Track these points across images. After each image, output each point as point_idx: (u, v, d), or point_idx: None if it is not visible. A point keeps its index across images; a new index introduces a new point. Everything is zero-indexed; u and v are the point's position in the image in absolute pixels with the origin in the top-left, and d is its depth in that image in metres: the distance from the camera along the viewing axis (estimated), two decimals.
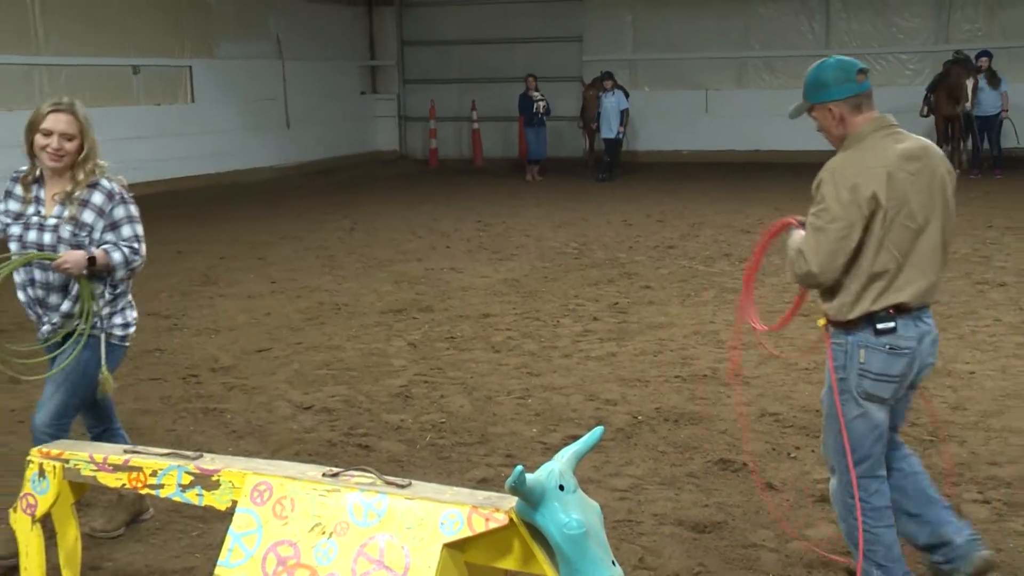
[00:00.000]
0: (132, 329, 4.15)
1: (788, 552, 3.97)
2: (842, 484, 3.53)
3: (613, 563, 2.72)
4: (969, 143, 16.91)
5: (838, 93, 3.41)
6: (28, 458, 3.33)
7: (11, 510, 3.35)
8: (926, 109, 17.06)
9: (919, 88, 17.94)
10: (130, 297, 4.16)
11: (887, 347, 3.36)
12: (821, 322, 3.54)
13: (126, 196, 4.03)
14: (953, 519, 3.64)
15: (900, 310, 3.35)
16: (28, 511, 3.31)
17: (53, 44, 14.92)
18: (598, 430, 2.92)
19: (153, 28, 16.61)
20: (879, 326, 3.35)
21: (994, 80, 16.16)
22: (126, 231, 3.96)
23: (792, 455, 4.95)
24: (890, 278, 3.33)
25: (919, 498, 3.61)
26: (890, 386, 3.41)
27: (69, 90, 15.21)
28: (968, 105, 16.03)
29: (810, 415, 5.47)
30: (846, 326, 3.41)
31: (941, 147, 16.29)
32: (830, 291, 3.41)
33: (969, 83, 15.92)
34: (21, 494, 3.32)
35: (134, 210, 4.03)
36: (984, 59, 16.25)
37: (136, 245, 3.96)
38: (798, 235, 3.49)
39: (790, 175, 17.45)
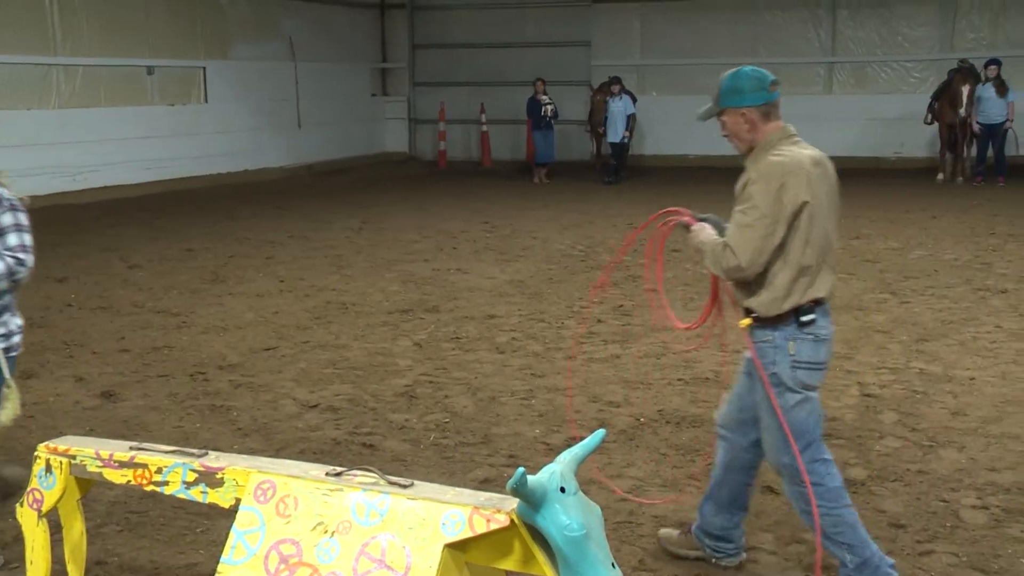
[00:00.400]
0: (16, 338, 4.02)
1: (787, 554, 4.00)
2: (793, 479, 3.61)
3: (613, 565, 2.73)
4: (974, 150, 16.93)
5: (752, 100, 3.57)
6: (35, 453, 3.38)
7: (18, 504, 3.40)
8: (930, 117, 17.07)
9: (923, 96, 17.94)
10: (13, 304, 4.03)
11: (812, 336, 3.52)
12: (745, 323, 3.62)
13: (15, 203, 3.91)
14: (742, 528, 3.95)
15: (817, 303, 3.53)
16: (35, 506, 3.36)
17: (70, 45, 15.03)
18: (599, 433, 2.94)
19: (168, 30, 16.72)
20: (803, 318, 3.51)
21: (1002, 89, 16.12)
22: (12, 239, 3.87)
23: None
24: (813, 273, 3.50)
25: (735, 498, 3.88)
26: (819, 373, 3.59)
27: (85, 90, 15.35)
28: (963, 111, 16.03)
29: None
30: (773, 321, 3.54)
31: (945, 155, 16.24)
32: (754, 289, 3.54)
33: (964, 89, 15.93)
34: (28, 489, 3.37)
35: (23, 218, 3.91)
36: (993, 67, 16.23)
37: (22, 255, 3.86)
38: (707, 232, 3.67)
39: None
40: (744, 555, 3.96)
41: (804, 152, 3.57)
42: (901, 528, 4.20)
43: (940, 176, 17.03)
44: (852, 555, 3.57)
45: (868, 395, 5.92)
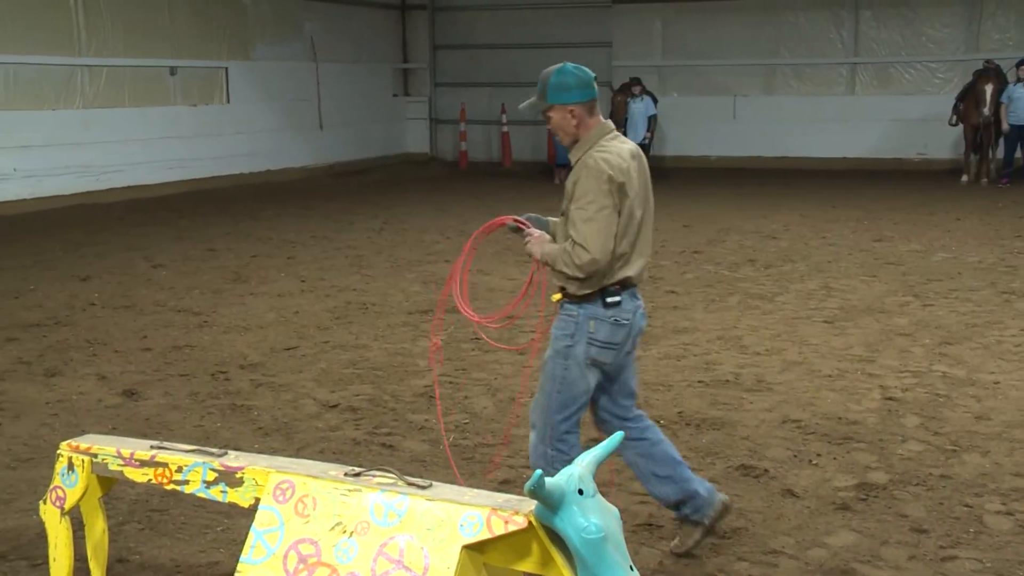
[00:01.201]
0: None
1: (808, 559, 3.98)
2: (544, 440, 3.86)
3: (631, 568, 2.73)
4: (999, 152, 16.77)
5: (579, 96, 3.76)
6: (58, 452, 3.41)
7: (41, 502, 3.43)
8: (955, 118, 16.93)
9: (948, 97, 17.80)
10: None
11: (612, 319, 3.79)
12: (556, 297, 3.86)
13: None
14: (694, 475, 4.06)
15: (625, 285, 3.79)
16: (57, 503, 3.39)
17: (94, 46, 15.16)
18: (618, 435, 2.94)
19: (190, 30, 16.82)
20: (608, 300, 3.77)
21: None
22: None
23: (813, 462, 4.94)
24: (626, 258, 3.78)
25: (667, 462, 3.99)
26: (612, 352, 3.84)
27: (109, 90, 15.47)
28: (987, 111, 15.89)
29: (832, 422, 5.47)
30: (580, 299, 3.78)
31: (970, 156, 16.08)
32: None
33: (988, 89, 15.79)
34: (51, 487, 3.40)
35: None
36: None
37: None
38: (545, 242, 3.83)
39: (816, 181, 17.41)
40: (720, 493, 4.04)
41: (624, 147, 3.79)
42: (924, 533, 4.17)
43: (964, 178, 16.89)
44: None
45: (890, 398, 5.87)
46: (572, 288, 3.76)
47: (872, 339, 7.15)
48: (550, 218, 4.01)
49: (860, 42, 19.74)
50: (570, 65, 3.82)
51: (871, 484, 4.65)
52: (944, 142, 18.62)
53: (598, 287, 3.74)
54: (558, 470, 3.59)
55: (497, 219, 4.03)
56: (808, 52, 19.96)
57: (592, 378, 3.85)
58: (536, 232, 3.88)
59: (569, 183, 3.73)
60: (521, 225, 3.92)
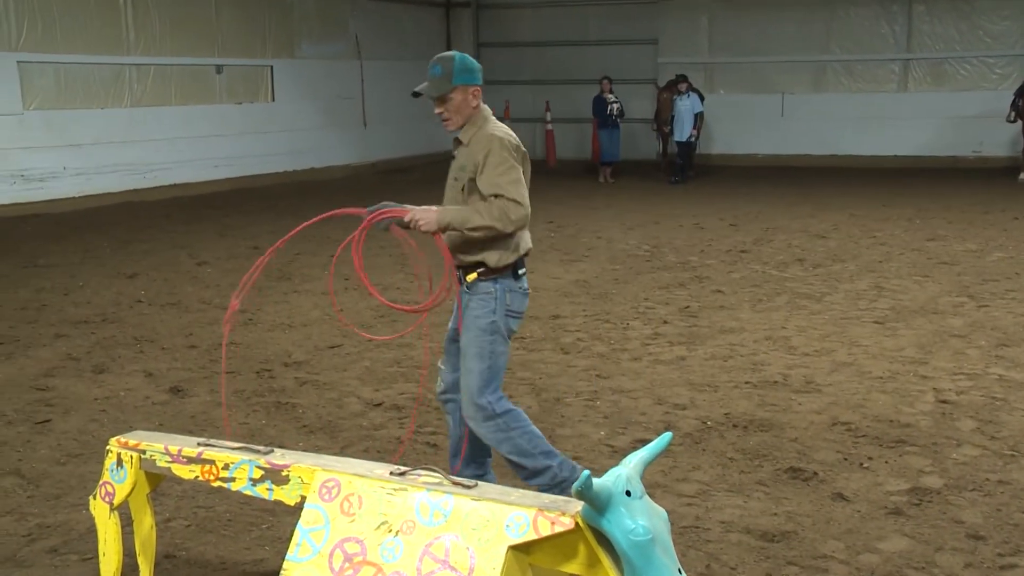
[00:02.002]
0: None
1: (859, 564, 3.89)
2: (489, 417, 4.04)
3: (679, 571, 2.69)
4: None
5: (478, 80, 4.03)
6: (107, 448, 3.43)
7: (91, 497, 3.45)
8: (1013, 114, 16.60)
9: (1006, 93, 17.46)
10: None
11: (522, 289, 4.09)
12: (472, 277, 4.02)
13: None
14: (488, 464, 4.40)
15: (526, 256, 4.13)
16: (107, 499, 3.41)
17: (143, 44, 15.35)
18: (666, 436, 2.90)
19: (236, 29, 16.98)
20: (520, 271, 4.07)
21: None
22: None
23: (864, 465, 4.85)
24: (524, 231, 4.05)
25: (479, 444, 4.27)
26: (519, 321, 4.15)
27: (156, 89, 15.66)
28: None
29: (884, 425, 5.36)
30: (494, 274, 4.00)
31: None
32: (485, 245, 3.95)
33: None
34: (100, 482, 3.42)
35: None
36: None
37: None
38: (441, 210, 3.90)
39: (866, 180, 17.16)
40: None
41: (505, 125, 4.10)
42: (980, 540, 4.06)
43: (1022, 175, 16.55)
44: (549, 460, 4.10)
45: (944, 401, 5.74)
46: (493, 260, 3.96)
47: (925, 340, 7.01)
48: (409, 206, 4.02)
49: (913, 37, 19.39)
50: (462, 54, 4.05)
51: (925, 489, 4.55)
52: (1001, 139, 18.26)
53: (515, 257, 4.01)
54: (520, 427, 4.08)
55: (354, 214, 4.02)
56: (859, 48, 19.67)
57: (508, 348, 4.15)
58: (418, 208, 3.92)
59: (479, 155, 3.90)
60: (392, 215, 3.92)
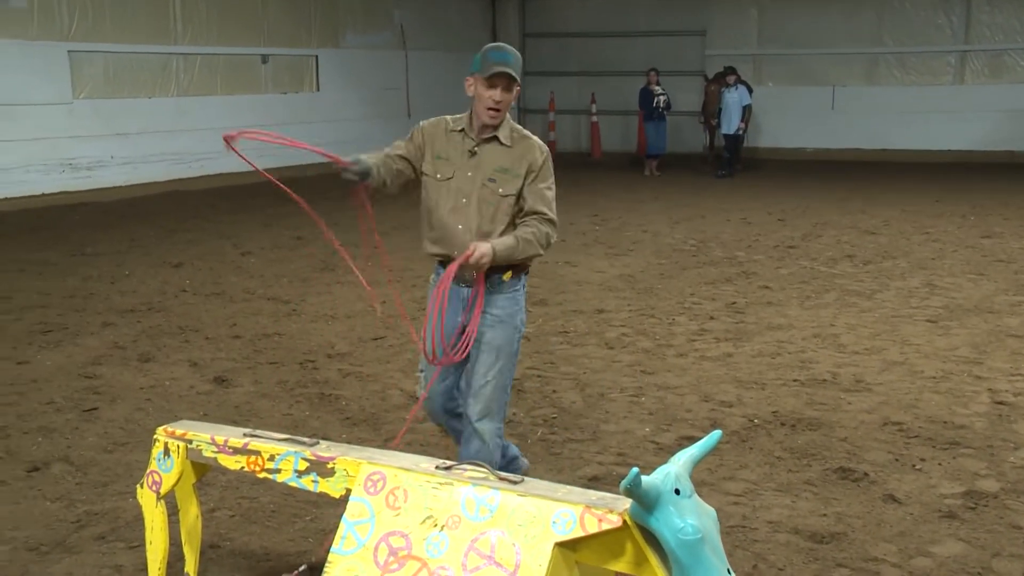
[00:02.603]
0: None
1: (912, 568, 3.80)
2: (499, 420, 4.01)
3: (728, 571, 2.64)
4: None
5: None
6: (154, 437, 3.43)
7: (138, 485, 3.46)
8: None
9: None
10: None
11: (526, 287, 4.07)
12: (508, 275, 3.91)
13: None
14: None
15: None
16: (153, 488, 3.41)
17: (190, 34, 15.48)
18: (716, 434, 2.84)
19: (282, 19, 17.07)
20: (528, 270, 4.03)
21: None
22: None
23: (917, 467, 4.74)
24: None
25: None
26: None
27: (202, 78, 15.79)
28: None
29: (937, 426, 5.24)
30: (523, 270, 3.97)
31: None
32: None
33: None
34: (147, 471, 3.43)
35: None
36: None
37: None
38: (498, 242, 3.76)
39: (918, 175, 16.88)
40: None
41: None
42: None
43: None
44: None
45: (1000, 403, 5.60)
46: (521, 259, 3.87)
47: (980, 340, 6.86)
48: (365, 156, 4.02)
49: (971, 28, 18.95)
50: None
51: (980, 492, 4.44)
52: None
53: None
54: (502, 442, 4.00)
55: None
56: (914, 40, 19.29)
57: None
58: (472, 244, 3.71)
59: (529, 161, 3.84)
60: (468, 255, 3.68)
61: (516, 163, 3.84)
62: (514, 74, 3.79)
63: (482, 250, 3.68)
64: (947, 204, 13.42)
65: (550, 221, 3.83)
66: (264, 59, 16.81)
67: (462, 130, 3.92)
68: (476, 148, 3.88)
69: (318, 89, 17.95)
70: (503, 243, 3.76)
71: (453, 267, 3.71)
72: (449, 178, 3.91)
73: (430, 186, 3.97)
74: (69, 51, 13.77)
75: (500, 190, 3.84)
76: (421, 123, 4.03)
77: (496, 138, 3.88)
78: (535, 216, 3.83)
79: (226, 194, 14.72)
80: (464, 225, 3.88)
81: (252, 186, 15.51)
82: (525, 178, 3.83)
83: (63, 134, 13.70)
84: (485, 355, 3.94)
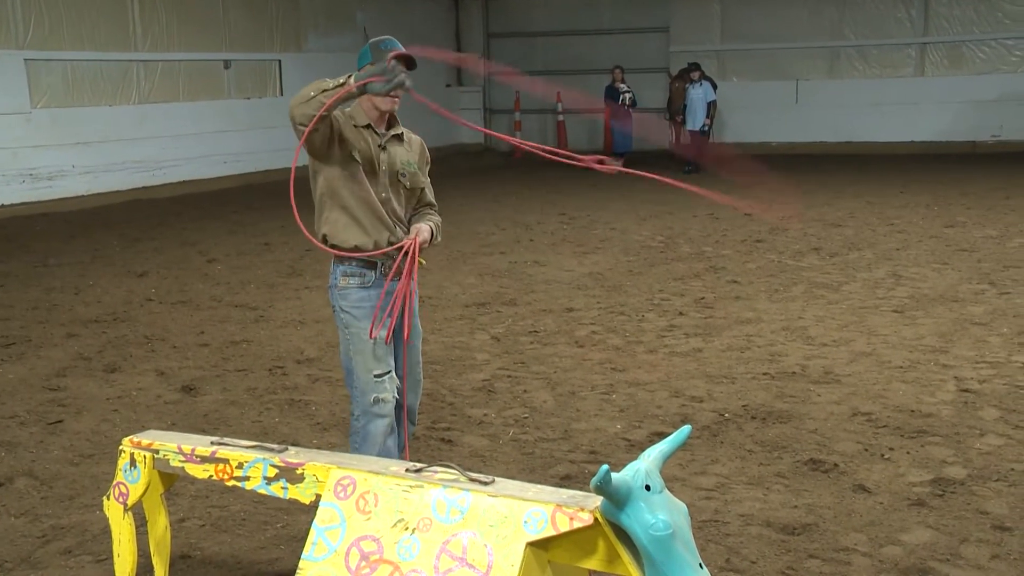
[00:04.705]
0: None
1: (882, 556, 3.83)
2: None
3: (700, 565, 2.64)
4: None
5: None
6: (120, 448, 3.39)
7: (104, 498, 3.41)
8: None
9: None
10: None
11: None
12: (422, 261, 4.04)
13: None
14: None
15: None
16: (120, 499, 3.37)
17: (150, 41, 15.33)
18: (685, 429, 2.86)
19: (243, 23, 16.95)
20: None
21: None
22: None
23: (886, 456, 4.78)
24: None
25: None
26: None
27: (164, 85, 15.64)
28: None
29: (905, 415, 5.29)
30: None
31: None
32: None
33: None
34: (114, 483, 3.38)
35: None
36: None
37: None
38: (425, 226, 4.05)
39: (882, 167, 17.02)
40: None
41: None
42: (1007, 531, 3.99)
43: None
44: None
45: (966, 390, 5.66)
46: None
47: (945, 329, 6.93)
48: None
49: (930, 20, 19.14)
50: None
51: (948, 479, 4.48)
52: (1020, 123, 18.10)
53: None
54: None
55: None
56: (874, 33, 19.47)
57: None
58: (422, 229, 4.01)
59: (422, 157, 4.15)
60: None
61: (412, 157, 4.13)
62: (408, 53, 3.94)
63: (424, 235, 4.00)
64: (911, 195, 13.56)
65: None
66: (226, 64, 16.68)
67: (367, 125, 3.96)
68: (383, 144, 4.00)
69: (282, 94, 17.82)
70: (425, 227, 4.06)
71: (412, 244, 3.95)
72: (367, 170, 3.96)
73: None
74: (26, 59, 13.57)
75: (407, 184, 4.06)
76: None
77: (395, 135, 4.08)
78: (430, 207, 4.26)
79: (190, 201, 14.59)
80: (379, 212, 4.04)
81: (217, 193, 15.41)
82: (422, 172, 4.16)
83: (22, 144, 13.51)
84: (417, 342, 4.16)
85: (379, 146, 3.95)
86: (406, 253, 3.90)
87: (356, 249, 3.90)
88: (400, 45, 3.93)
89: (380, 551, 2.84)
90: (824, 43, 19.87)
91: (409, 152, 4.05)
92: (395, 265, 3.92)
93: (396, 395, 3.98)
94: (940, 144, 18.89)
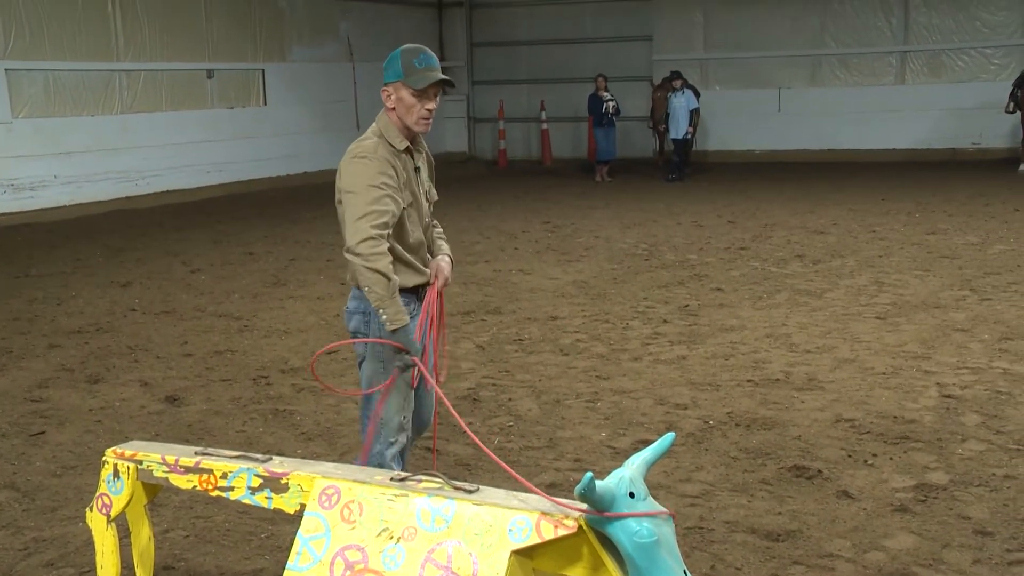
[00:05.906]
0: None
1: (866, 562, 3.85)
2: None
3: (685, 572, 2.65)
4: None
5: None
6: (103, 459, 3.37)
7: (87, 509, 3.39)
8: (1012, 105, 16.56)
9: (1004, 84, 17.41)
10: None
11: None
12: None
13: None
14: None
15: None
16: (103, 511, 3.35)
17: (132, 50, 15.29)
18: (669, 436, 2.86)
19: (226, 33, 16.92)
20: None
21: None
22: None
23: (869, 462, 4.80)
24: None
25: None
26: None
27: (147, 95, 15.60)
28: None
29: (888, 421, 5.32)
30: None
31: None
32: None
33: None
34: (97, 494, 3.37)
35: None
36: None
37: None
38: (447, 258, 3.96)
39: (864, 175, 17.13)
40: None
41: None
42: (988, 536, 4.01)
43: (1022, 167, 16.52)
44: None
45: (948, 396, 5.70)
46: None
47: (927, 335, 6.97)
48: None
49: (910, 29, 19.28)
50: None
51: (930, 485, 4.50)
52: (1000, 130, 18.22)
53: None
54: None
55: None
56: (855, 41, 19.60)
57: None
58: (445, 269, 3.89)
59: (431, 156, 3.87)
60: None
61: (430, 171, 3.87)
62: (450, 78, 3.65)
63: (449, 275, 3.83)
64: (893, 202, 13.64)
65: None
66: (210, 74, 16.64)
67: (406, 149, 3.65)
68: (419, 165, 3.74)
69: (265, 103, 17.81)
70: (447, 257, 3.92)
71: (435, 291, 3.81)
72: (411, 203, 3.67)
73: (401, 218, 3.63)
74: (6, 69, 13.52)
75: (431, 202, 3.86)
76: (375, 154, 3.56)
77: (423, 150, 3.81)
78: (435, 221, 3.94)
79: (173, 211, 14.55)
80: (424, 245, 3.82)
81: (200, 203, 15.37)
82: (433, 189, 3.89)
83: (3, 154, 13.45)
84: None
85: (415, 168, 3.71)
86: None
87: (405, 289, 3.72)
88: (436, 61, 3.60)
89: (365, 560, 2.84)
90: (806, 52, 19.98)
91: (428, 166, 3.82)
92: (423, 313, 3.75)
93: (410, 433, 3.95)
94: (921, 152, 19.02)
